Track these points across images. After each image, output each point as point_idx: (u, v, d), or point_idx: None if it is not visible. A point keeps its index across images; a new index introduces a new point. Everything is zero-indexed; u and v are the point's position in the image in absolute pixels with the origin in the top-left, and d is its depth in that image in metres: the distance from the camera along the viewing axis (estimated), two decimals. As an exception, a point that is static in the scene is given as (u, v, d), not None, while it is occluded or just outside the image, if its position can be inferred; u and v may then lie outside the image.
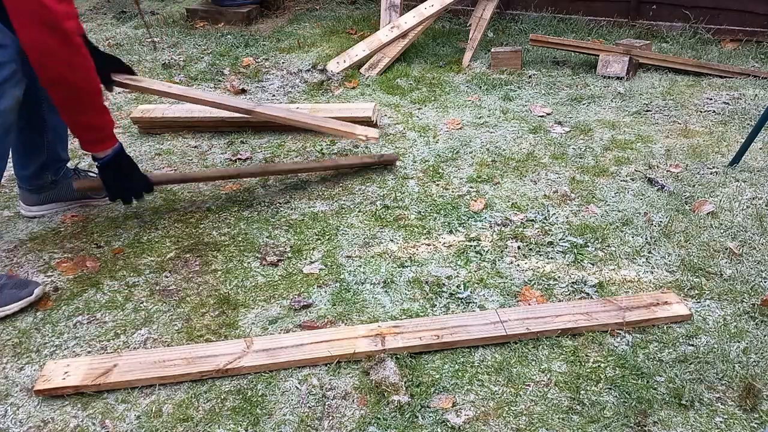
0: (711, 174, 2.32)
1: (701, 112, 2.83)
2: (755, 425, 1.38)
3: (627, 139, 2.60)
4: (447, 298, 1.77)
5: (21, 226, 2.15)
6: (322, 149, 2.60)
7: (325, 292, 1.81)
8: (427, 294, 1.79)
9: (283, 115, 2.41)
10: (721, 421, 1.39)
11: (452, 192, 2.27)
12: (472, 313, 1.69)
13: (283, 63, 3.52)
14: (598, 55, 3.27)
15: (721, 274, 1.82)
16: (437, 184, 2.32)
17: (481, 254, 1.94)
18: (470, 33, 3.58)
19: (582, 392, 1.46)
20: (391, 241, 2.02)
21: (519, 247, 1.96)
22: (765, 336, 1.60)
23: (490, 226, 2.07)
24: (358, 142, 2.59)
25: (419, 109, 2.96)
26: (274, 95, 3.16)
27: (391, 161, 2.44)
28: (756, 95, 2.95)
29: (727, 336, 1.60)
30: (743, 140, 2.37)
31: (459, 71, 3.36)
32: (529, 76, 3.26)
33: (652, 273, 1.84)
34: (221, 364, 1.52)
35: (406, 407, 1.43)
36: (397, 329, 1.61)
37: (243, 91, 3.19)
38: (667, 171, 2.36)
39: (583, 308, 1.67)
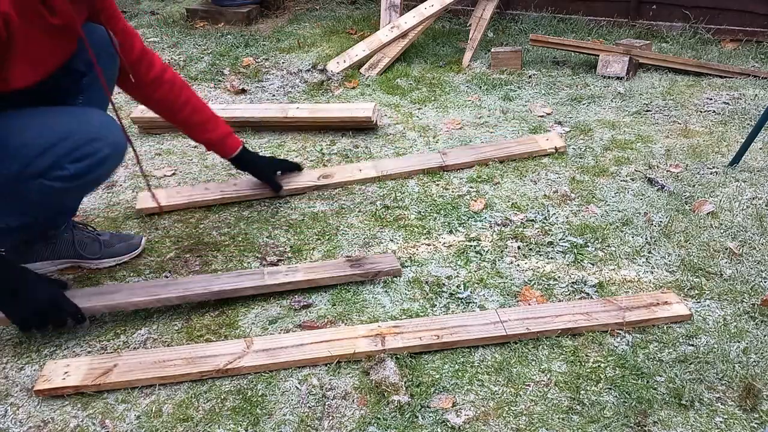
0: (711, 174, 2.32)
1: (701, 112, 2.83)
2: (755, 425, 1.38)
3: (627, 139, 2.60)
4: (447, 298, 1.77)
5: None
6: (322, 149, 2.60)
7: (325, 292, 1.81)
8: (427, 294, 1.79)
9: (474, 159, 2.40)
10: (721, 421, 1.39)
11: (452, 192, 2.27)
12: (472, 313, 1.69)
13: (283, 63, 3.52)
14: (598, 55, 3.27)
15: (721, 274, 1.82)
16: (437, 184, 2.32)
17: (481, 254, 1.94)
18: (470, 33, 3.58)
19: (582, 392, 1.46)
20: (391, 241, 2.02)
21: (519, 247, 1.96)
22: (765, 336, 1.60)
23: (490, 226, 2.07)
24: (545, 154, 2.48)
25: (419, 109, 2.96)
26: (274, 95, 3.16)
27: (389, 274, 1.84)
28: (756, 95, 2.95)
29: (727, 336, 1.60)
30: (743, 140, 2.37)
31: (459, 71, 3.36)
32: (529, 76, 3.25)
33: (652, 273, 1.84)
34: (221, 364, 1.53)
35: (406, 407, 1.43)
36: (397, 329, 1.61)
37: (243, 91, 3.19)
38: (667, 171, 2.36)
39: (583, 308, 1.67)
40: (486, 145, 2.50)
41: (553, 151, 2.45)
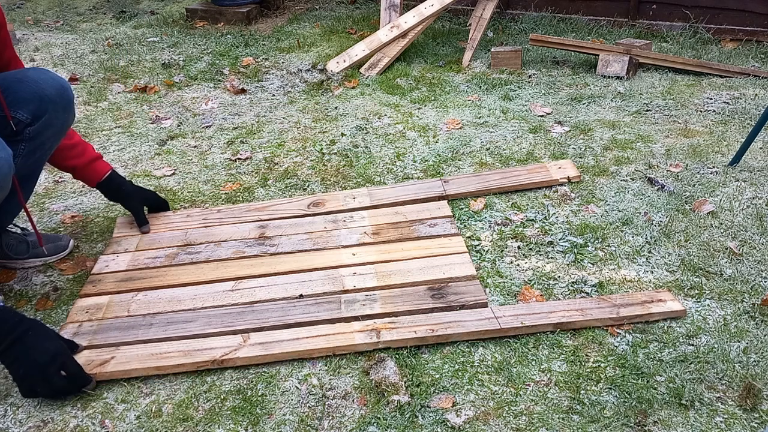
0: (711, 174, 2.32)
1: (701, 111, 2.83)
2: (755, 425, 1.38)
3: (627, 139, 2.60)
4: (447, 298, 1.76)
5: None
6: (321, 149, 2.60)
7: (325, 291, 1.81)
8: (427, 294, 1.79)
9: (477, 189, 2.21)
10: (721, 421, 1.39)
11: (452, 192, 2.27)
12: (468, 309, 1.68)
13: (283, 63, 3.52)
14: (598, 55, 3.27)
15: (721, 274, 1.82)
16: (437, 184, 2.32)
17: (481, 254, 1.94)
18: (470, 33, 3.58)
19: (582, 392, 1.46)
20: (391, 240, 2.02)
21: (519, 247, 1.96)
22: (765, 336, 1.60)
23: (490, 226, 2.07)
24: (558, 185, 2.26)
25: (419, 108, 2.96)
26: (273, 95, 3.16)
27: (475, 306, 1.69)
28: (756, 95, 2.94)
29: (727, 336, 1.60)
30: (743, 140, 2.37)
31: (459, 71, 3.36)
32: (529, 76, 3.25)
33: (652, 273, 1.84)
34: (217, 356, 1.54)
35: (406, 407, 1.43)
36: (393, 325, 1.61)
37: (243, 91, 3.19)
38: (667, 171, 2.36)
39: (578, 305, 1.67)
40: (492, 173, 2.31)
41: (566, 181, 2.26)
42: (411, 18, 3.47)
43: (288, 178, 2.40)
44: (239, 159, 2.56)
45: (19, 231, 1.98)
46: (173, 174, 2.47)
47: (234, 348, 1.56)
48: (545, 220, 2.09)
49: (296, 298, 1.73)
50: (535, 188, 2.25)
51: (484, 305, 1.69)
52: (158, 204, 2.15)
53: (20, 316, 1.47)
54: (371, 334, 1.58)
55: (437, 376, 1.51)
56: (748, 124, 2.67)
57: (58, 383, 1.44)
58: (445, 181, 2.27)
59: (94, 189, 2.04)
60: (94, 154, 1.98)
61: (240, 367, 1.55)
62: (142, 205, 2.09)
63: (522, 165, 2.39)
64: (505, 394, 1.46)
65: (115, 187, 2.02)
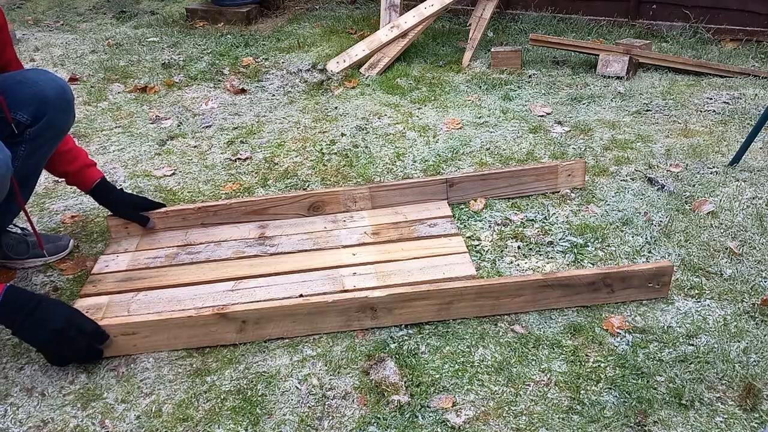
0: (711, 174, 2.32)
1: (701, 111, 2.83)
2: (755, 425, 1.38)
3: (627, 139, 2.60)
4: (447, 298, 1.76)
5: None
6: (322, 149, 2.60)
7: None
8: (427, 294, 1.79)
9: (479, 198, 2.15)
10: (721, 421, 1.39)
11: (452, 192, 2.27)
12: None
13: (283, 63, 3.52)
14: (598, 55, 3.27)
15: (721, 274, 1.82)
16: (437, 184, 2.32)
17: (481, 254, 1.94)
18: (470, 33, 3.58)
19: (582, 392, 1.46)
20: (391, 240, 2.02)
21: (519, 247, 1.96)
22: (765, 336, 1.60)
23: (490, 226, 2.07)
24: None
25: (419, 108, 2.96)
26: (273, 95, 3.16)
27: None
28: (756, 95, 2.94)
29: (727, 336, 1.60)
30: (743, 140, 2.37)
31: (459, 71, 3.36)
32: (529, 76, 3.25)
33: (652, 273, 1.84)
34: (218, 309, 1.60)
35: (406, 407, 1.43)
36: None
37: (243, 91, 3.19)
38: (667, 171, 2.36)
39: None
40: (499, 178, 2.18)
41: (568, 190, 2.22)
42: (411, 18, 3.47)
43: (288, 178, 2.40)
44: (239, 159, 2.56)
45: (19, 231, 1.98)
46: (173, 174, 2.47)
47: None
48: (545, 220, 2.09)
49: (296, 298, 1.73)
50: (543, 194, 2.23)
51: None
52: (153, 206, 2.07)
53: (29, 293, 1.51)
54: (367, 304, 1.63)
55: (437, 376, 1.51)
56: (748, 124, 2.67)
57: (81, 343, 1.49)
58: (450, 185, 2.16)
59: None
60: (87, 160, 1.95)
61: (240, 366, 1.55)
62: (135, 210, 2.04)
63: (532, 167, 2.21)
64: (505, 394, 1.46)
65: (104, 196, 1.99)
